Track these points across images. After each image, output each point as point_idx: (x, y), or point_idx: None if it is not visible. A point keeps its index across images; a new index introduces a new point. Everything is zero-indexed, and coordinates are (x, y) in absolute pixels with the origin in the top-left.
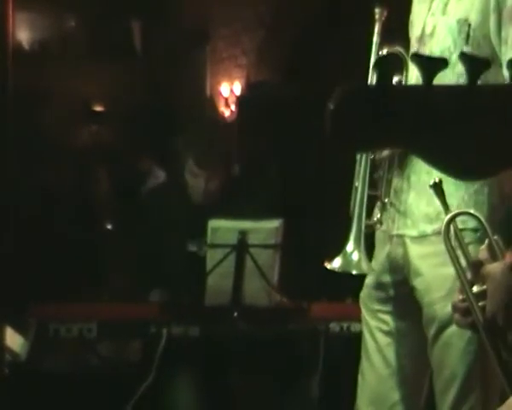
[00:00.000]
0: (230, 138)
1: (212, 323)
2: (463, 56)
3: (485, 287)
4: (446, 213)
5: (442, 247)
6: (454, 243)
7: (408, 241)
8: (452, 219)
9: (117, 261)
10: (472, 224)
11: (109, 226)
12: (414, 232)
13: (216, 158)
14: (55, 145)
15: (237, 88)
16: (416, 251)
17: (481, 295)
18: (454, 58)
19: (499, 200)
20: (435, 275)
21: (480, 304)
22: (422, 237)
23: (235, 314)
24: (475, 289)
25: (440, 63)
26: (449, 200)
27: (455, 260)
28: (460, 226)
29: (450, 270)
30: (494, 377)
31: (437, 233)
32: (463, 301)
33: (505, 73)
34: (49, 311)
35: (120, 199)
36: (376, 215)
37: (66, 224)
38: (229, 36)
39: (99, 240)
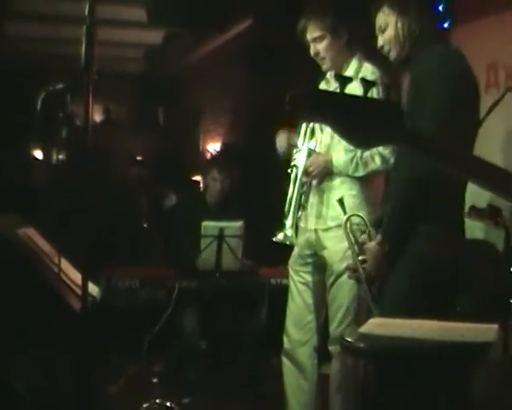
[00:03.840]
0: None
1: (203, 279)
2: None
3: (365, 256)
4: (345, 215)
5: (339, 233)
6: (349, 231)
7: (319, 231)
8: (348, 218)
9: (151, 245)
10: (357, 220)
11: (145, 225)
12: (323, 226)
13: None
14: (116, 179)
15: (217, 146)
16: (324, 236)
17: (363, 261)
18: None
19: (372, 207)
20: (335, 248)
21: (363, 266)
22: (329, 228)
23: (217, 275)
24: (360, 258)
25: (349, 80)
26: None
27: (350, 241)
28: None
29: (344, 245)
30: (363, 307)
31: (337, 226)
32: (354, 265)
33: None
34: (112, 271)
35: (152, 209)
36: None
37: (123, 222)
38: (214, 115)
39: (140, 234)
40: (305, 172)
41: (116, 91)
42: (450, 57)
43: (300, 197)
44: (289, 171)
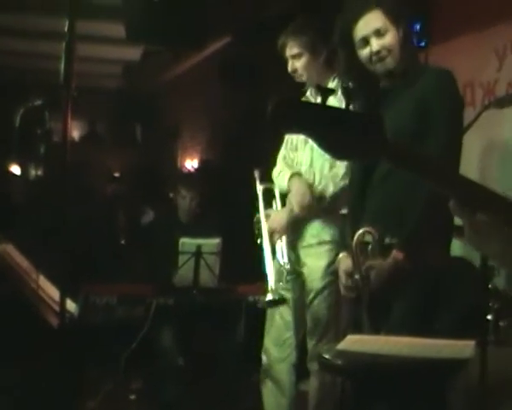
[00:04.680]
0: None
1: (181, 296)
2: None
3: (369, 274)
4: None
5: (319, 250)
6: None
7: (299, 248)
8: (360, 235)
9: (128, 262)
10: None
11: (123, 241)
12: (304, 243)
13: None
14: (92, 193)
15: (195, 163)
16: (303, 253)
17: (366, 278)
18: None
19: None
20: (315, 265)
21: (365, 284)
22: (309, 245)
23: (195, 291)
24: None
25: (330, 92)
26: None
27: (358, 259)
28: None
29: (323, 262)
30: (340, 324)
31: (317, 243)
32: (351, 283)
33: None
34: (89, 288)
35: (130, 225)
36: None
37: (100, 239)
38: (192, 131)
39: (118, 250)
40: (271, 236)
41: (94, 108)
42: (455, 79)
43: (274, 254)
44: (257, 238)
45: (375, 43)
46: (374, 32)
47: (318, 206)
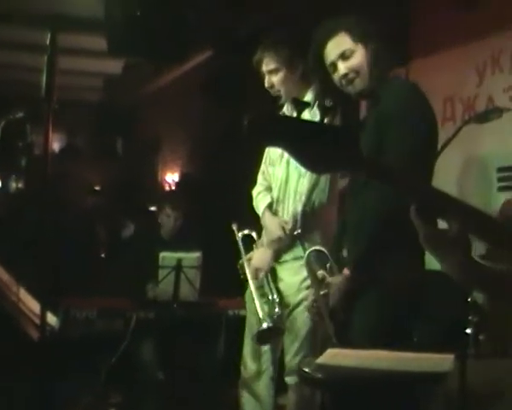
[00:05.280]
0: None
1: (161, 310)
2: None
3: (327, 291)
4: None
5: (295, 265)
6: (311, 266)
7: (275, 264)
8: (310, 253)
9: (109, 275)
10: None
11: (103, 255)
12: (279, 259)
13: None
14: (72, 206)
15: (175, 177)
16: (279, 268)
17: (325, 296)
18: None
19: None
20: (290, 280)
21: (325, 301)
22: (284, 261)
23: (175, 305)
24: (322, 292)
25: (305, 105)
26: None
27: (312, 276)
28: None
29: (299, 277)
30: (317, 338)
31: (292, 259)
32: (314, 301)
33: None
34: (70, 302)
35: (110, 239)
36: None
37: (78, 252)
38: (173, 145)
39: (98, 263)
40: (256, 275)
41: (75, 121)
42: (418, 93)
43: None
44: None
45: (342, 67)
46: (340, 56)
47: (291, 233)
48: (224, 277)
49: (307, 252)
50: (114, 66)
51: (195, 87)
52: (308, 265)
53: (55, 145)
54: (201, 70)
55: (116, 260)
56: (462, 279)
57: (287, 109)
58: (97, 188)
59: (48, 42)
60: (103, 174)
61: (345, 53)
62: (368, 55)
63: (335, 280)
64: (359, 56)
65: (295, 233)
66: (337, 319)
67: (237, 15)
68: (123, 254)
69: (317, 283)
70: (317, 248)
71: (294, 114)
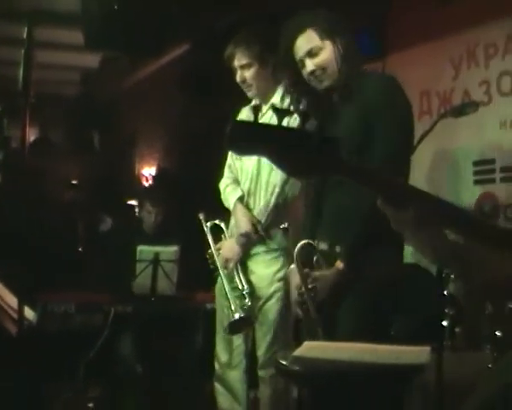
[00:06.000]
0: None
1: (139, 303)
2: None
3: (315, 284)
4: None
5: (267, 258)
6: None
7: (247, 256)
8: (300, 247)
9: (86, 270)
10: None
11: (81, 249)
12: (251, 251)
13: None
14: (50, 200)
15: (153, 171)
16: (251, 261)
17: (312, 289)
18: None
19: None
20: (262, 273)
21: (311, 294)
22: (256, 254)
23: (153, 299)
24: (310, 286)
25: (287, 113)
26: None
27: (300, 270)
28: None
29: (271, 270)
30: (289, 331)
31: (264, 251)
32: (301, 294)
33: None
34: (48, 296)
35: (88, 233)
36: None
37: (58, 247)
38: (150, 139)
39: (76, 258)
40: (227, 265)
41: (52, 114)
42: (399, 86)
43: (232, 280)
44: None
45: (310, 64)
46: (307, 53)
47: (260, 228)
48: (202, 271)
49: (298, 245)
50: (91, 60)
51: (172, 81)
52: (297, 258)
53: (32, 139)
54: (178, 64)
55: (94, 254)
56: (433, 257)
57: (255, 104)
58: (75, 182)
59: (25, 36)
60: (81, 168)
61: (312, 50)
62: (336, 51)
63: (324, 274)
64: (326, 53)
65: (281, 227)
66: (324, 314)
67: (216, 10)
68: (101, 249)
69: (305, 277)
70: (307, 241)
71: (264, 111)
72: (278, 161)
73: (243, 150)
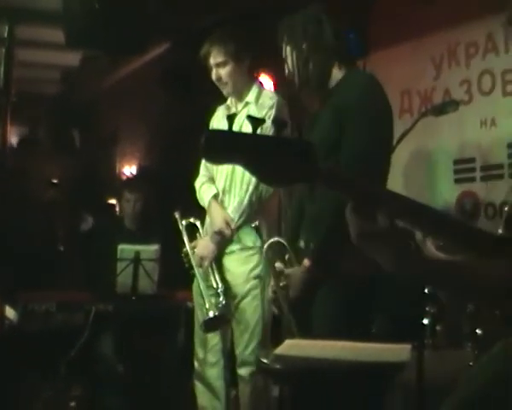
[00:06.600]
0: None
1: (120, 302)
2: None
3: (286, 282)
4: (262, 241)
5: (242, 255)
6: (268, 258)
7: (222, 254)
8: (269, 245)
9: (67, 269)
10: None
11: (62, 248)
12: (226, 250)
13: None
14: (30, 200)
15: (133, 169)
16: (226, 259)
17: (284, 288)
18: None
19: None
20: (238, 271)
21: (283, 292)
22: (231, 252)
23: (133, 298)
24: (281, 284)
25: (261, 121)
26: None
27: (272, 268)
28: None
29: (246, 267)
30: (267, 328)
31: (239, 249)
32: (274, 293)
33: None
34: (28, 295)
35: (69, 232)
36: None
37: (39, 246)
38: (131, 138)
39: (57, 257)
40: (200, 264)
41: (33, 113)
42: (376, 84)
43: (207, 278)
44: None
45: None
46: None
47: (235, 225)
48: (182, 269)
49: (267, 243)
50: (72, 58)
51: (153, 80)
52: (267, 256)
53: (13, 139)
54: (159, 63)
55: (75, 253)
56: (399, 272)
57: (230, 104)
58: (55, 181)
59: (6, 34)
60: (61, 167)
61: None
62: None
63: (294, 272)
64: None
65: (253, 225)
66: (298, 311)
67: (196, 10)
68: (82, 248)
69: (277, 275)
70: (276, 239)
71: (239, 109)
72: (255, 170)
73: (219, 160)
